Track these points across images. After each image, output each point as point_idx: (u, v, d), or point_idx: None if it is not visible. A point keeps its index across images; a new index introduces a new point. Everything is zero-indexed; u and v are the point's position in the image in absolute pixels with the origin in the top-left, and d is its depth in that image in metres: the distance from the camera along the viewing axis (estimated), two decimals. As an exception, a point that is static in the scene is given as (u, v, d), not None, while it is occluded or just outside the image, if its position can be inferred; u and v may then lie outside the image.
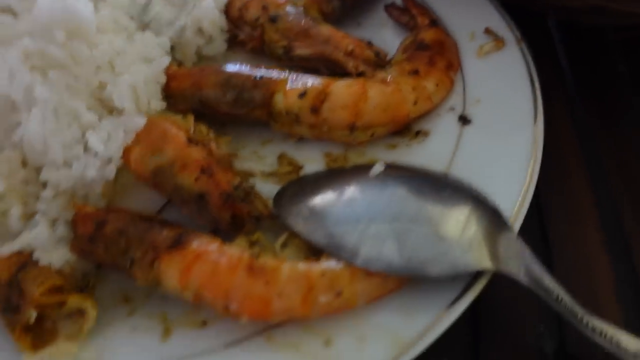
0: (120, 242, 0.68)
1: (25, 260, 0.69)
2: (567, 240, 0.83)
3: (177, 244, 0.66)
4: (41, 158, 0.75)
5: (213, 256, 0.64)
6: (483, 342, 0.73)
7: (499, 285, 0.66)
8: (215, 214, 0.71)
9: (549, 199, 0.87)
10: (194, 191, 0.71)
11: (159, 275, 0.65)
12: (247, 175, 0.81)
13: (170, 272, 0.64)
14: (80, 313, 0.67)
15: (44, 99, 0.73)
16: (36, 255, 0.70)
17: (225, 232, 0.71)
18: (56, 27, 0.76)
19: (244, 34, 0.97)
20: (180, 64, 0.93)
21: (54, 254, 0.70)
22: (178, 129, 0.77)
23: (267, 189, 0.78)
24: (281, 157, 0.85)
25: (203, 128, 0.80)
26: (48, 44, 0.75)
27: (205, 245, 0.66)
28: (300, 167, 0.83)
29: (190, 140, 0.76)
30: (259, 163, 0.85)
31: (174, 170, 0.73)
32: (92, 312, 0.66)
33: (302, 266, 0.64)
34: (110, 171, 0.76)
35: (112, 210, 0.74)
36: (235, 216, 0.71)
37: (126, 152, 0.75)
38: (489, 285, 0.65)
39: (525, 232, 0.72)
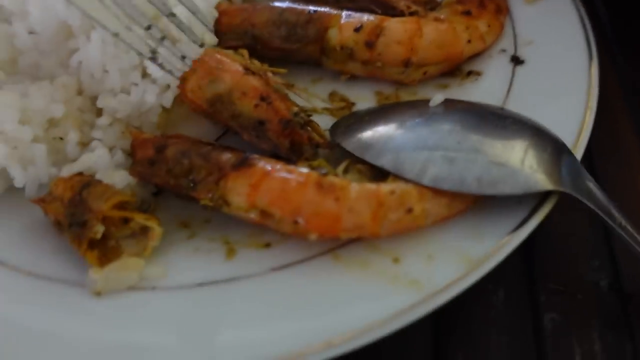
0: (184, 163, 0.68)
1: (88, 180, 0.69)
2: (617, 182, 0.83)
3: (243, 163, 0.66)
4: (98, 85, 0.75)
5: (281, 173, 0.64)
6: (538, 273, 0.73)
7: (553, 221, 0.67)
8: (274, 139, 0.71)
9: (599, 143, 0.87)
10: (254, 118, 0.72)
11: (226, 193, 0.65)
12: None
13: (238, 189, 0.64)
14: (143, 233, 0.67)
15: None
16: (99, 175, 0.70)
17: (285, 157, 0.71)
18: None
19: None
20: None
21: (117, 175, 0.70)
22: (234, 60, 0.76)
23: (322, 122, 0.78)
24: (332, 94, 0.84)
25: (256, 61, 0.79)
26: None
27: (271, 164, 0.66)
28: (352, 104, 0.83)
29: (247, 70, 0.75)
30: (310, 101, 0.84)
31: (233, 98, 0.72)
32: (157, 230, 0.66)
33: (370, 185, 0.64)
34: (168, 99, 0.76)
35: (169, 136, 0.74)
36: (294, 143, 0.71)
37: (182, 81, 0.75)
38: (543, 220, 0.65)
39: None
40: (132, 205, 0.68)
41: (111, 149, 0.74)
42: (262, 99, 0.71)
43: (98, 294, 0.63)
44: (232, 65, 0.75)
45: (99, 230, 0.64)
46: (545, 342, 0.67)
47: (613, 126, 0.91)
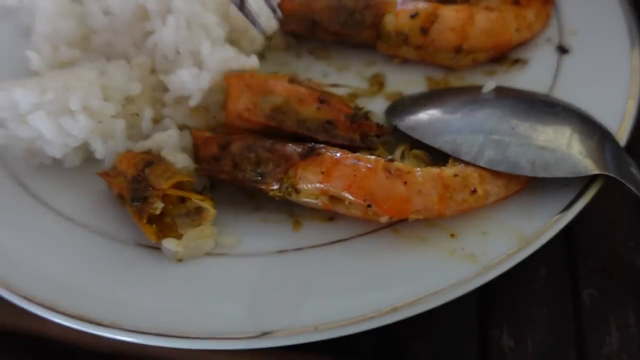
0: (250, 157, 0.72)
1: (151, 158, 0.73)
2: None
3: (312, 152, 0.70)
4: (171, 65, 0.79)
5: (351, 161, 0.69)
6: (578, 253, 0.78)
7: (593, 202, 0.71)
8: (346, 134, 0.75)
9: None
10: (321, 119, 0.75)
11: (296, 182, 0.69)
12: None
13: (310, 177, 0.69)
14: (197, 212, 0.71)
15: (180, 10, 0.77)
16: (164, 153, 0.74)
17: (363, 148, 0.75)
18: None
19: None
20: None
21: (179, 157, 0.74)
22: (269, 75, 0.80)
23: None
24: (375, 76, 0.89)
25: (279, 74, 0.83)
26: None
27: (339, 153, 0.70)
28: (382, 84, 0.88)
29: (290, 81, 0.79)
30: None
31: (293, 106, 0.76)
32: (211, 211, 0.71)
33: (433, 169, 0.69)
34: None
35: (230, 133, 0.77)
36: (363, 133, 0.75)
37: (231, 111, 0.76)
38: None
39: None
40: (190, 186, 0.73)
41: (182, 129, 0.79)
42: (321, 101, 0.75)
43: (180, 260, 0.68)
44: (276, 79, 0.79)
45: (158, 206, 0.68)
46: (583, 316, 0.72)
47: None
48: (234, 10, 0.82)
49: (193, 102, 0.78)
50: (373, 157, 0.70)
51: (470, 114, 0.75)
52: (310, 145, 0.71)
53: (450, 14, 0.85)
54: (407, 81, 0.89)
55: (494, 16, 0.86)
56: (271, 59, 0.93)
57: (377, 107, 0.85)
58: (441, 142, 0.72)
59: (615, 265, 0.76)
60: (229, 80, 0.77)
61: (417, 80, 0.89)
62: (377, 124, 0.76)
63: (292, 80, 0.80)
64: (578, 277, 0.75)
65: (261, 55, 0.92)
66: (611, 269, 0.76)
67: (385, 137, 0.78)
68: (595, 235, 0.80)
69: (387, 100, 0.86)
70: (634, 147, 0.87)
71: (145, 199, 0.69)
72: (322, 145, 0.71)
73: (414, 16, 0.85)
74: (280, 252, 0.69)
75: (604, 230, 0.80)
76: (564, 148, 0.70)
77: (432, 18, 0.85)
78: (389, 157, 0.71)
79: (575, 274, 0.76)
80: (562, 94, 0.82)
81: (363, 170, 0.68)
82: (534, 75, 0.87)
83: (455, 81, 0.88)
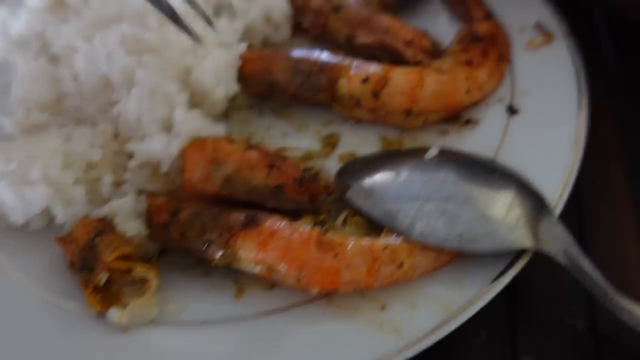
0: (196, 225, 0.75)
1: (103, 227, 0.77)
2: (602, 226, 0.89)
3: (252, 222, 0.74)
4: (133, 132, 0.84)
5: (286, 232, 0.72)
6: (520, 317, 0.79)
7: (535, 267, 0.73)
8: (295, 198, 0.78)
9: (588, 186, 0.93)
10: (270, 185, 0.78)
11: (236, 251, 0.73)
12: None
13: (248, 247, 0.72)
14: (142, 282, 0.75)
15: (143, 81, 0.81)
16: (116, 220, 0.78)
17: (309, 212, 0.79)
18: (149, 13, 0.84)
19: (307, 22, 1.04)
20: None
21: (132, 224, 0.78)
22: (222, 141, 0.83)
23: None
24: (329, 136, 0.93)
25: (238, 138, 0.86)
26: (143, 30, 0.84)
27: (277, 223, 0.74)
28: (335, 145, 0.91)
29: (244, 145, 0.82)
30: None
31: (243, 175, 0.79)
32: (154, 282, 0.74)
33: (365, 241, 0.73)
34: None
35: (182, 200, 0.81)
36: (312, 195, 0.78)
37: (187, 180, 0.80)
38: (525, 265, 0.73)
39: (564, 216, 0.79)
40: (136, 256, 0.76)
41: (141, 192, 0.83)
42: (270, 166, 0.79)
43: (126, 329, 0.72)
44: (229, 145, 0.82)
45: (102, 278, 0.72)
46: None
47: (605, 169, 0.96)
48: (194, 76, 0.86)
49: (163, 169, 0.82)
50: (308, 228, 0.73)
51: (410, 182, 0.78)
52: (252, 214, 0.74)
53: (400, 78, 0.88)
54: (361, 141, 0.92)
55: (444, 79, 0.89)
56: (235, 117, 0.97)
57: (331, 166, 0.88)
58: (379, 212, 0.76)
59: (556, 329, 0.78)
60: (186, 150, 0.81)
61: (371, 140, 0.92)
62: (325, 186, 0.79)
63: (247, 144, 0.83)
64: (518, 342, 0.77)
65: (225, 114, 0.96)
66: (552, 332, 0.78)
67: (336, 195, 0.80)
68: (537, 299, 0.81)
69: (341, 161, 0.89)
70: (581, 202, 0.90)
71: (92, 269, 0.73)
72: (263, 215, 0.75)
73: (365, 80, 0.88)
74: (220, 320, 0.73)
75: (546, 294, 0.82)
76: (495, 220, 0.73)
77: (383, 82, 0.88)
78: (324, 228, 0.74)
79: (516, 338, 0.77)
80: (509, 156, 0.85)
81: (296, 242, 0.71)
82: (483, 135, 0.89)
83: (408, 141, 0.91)
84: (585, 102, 0.88)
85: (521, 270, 0.73)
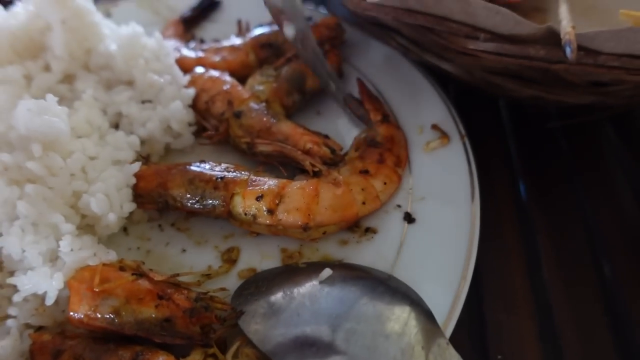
0: None
1: None
2: (503, 328, 0.91)
3: None
4: (18, 265, 0.81)
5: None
6: None
7: None
8: (185, 331, 0.76)
9: (489, 286, 0.95)
10: (159, 319, 0.76)
11: None
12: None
13: None
14: None
15: (24, 215, 0.79)
16: None
17: (201, 343, 0.76)
18: (33, 141, 0.83)
19: (210, 126, 1.04)
20: (148, 158, 1.00)
21: None
22: (111, 268, 0.81)
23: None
24: (228, 251, 0.92)
25: (129, 262, 0.84)
26: (25, 159, 0.81)
27: (161, 361, 0.71)
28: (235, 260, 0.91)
29: (134, 274, 0.80)
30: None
31: (132, 307, 0.77)
32: None
33: (251, 381, 0.71)
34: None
35: (68, 336, 0.78)
36: (203, 326, 0.77)
37: (71, 317, 0.77)
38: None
39: (465, 322, 0.80)
40: None
41: (27, 327, 0.80)
42: (160, 297, 0.77)
43: None
44: (118, 276, 0.80)
45: None
46: None
47: (505, 264, 0.98)
48: (83, 202, 0.85)
49: (49, 302, 0.79)
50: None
51: (300, 310, 0.77)
52: (134, 355, 0.72)
53: (295, 194, 0.89)
54: (262, 254, 0.92)
55: (339, 192, 0.90)
56: (133, 232, 0.95)
57: (231, 284, 0.86)
58: (267, 344, 0.74)
59: None
60: (71, 282, 0.79)
61: (272, 252, 0.92)
62: (217, 315, 0.78)
63: (139, 270, 0.81)
64: None
65: (124, 229, 0.95)
66: None
67: (228, 323, 0.79)
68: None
69: (240, 278, 0.88)
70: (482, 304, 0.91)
71: None
72: (147, 355, 0.73)
73: (259, 199, 0.88)
74: None
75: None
76: (381, 352, 0.72)
77: (277, 199, 0.88)
78: None
79: None
80: (405, 266, 0.86)
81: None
82: (382, 245, 0.90)
83: (309, 252, 0.91)
84: (477, 208, 0.89)
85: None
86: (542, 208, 1.06)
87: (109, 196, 0.87)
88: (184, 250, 0.93)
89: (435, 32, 0.94)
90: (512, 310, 0.93)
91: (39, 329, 0.80)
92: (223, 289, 0.84)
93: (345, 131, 1.08)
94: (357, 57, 1.19)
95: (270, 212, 0.88)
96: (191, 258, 0.92)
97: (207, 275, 0.88)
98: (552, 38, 0.84)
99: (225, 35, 1.24)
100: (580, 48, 0.84)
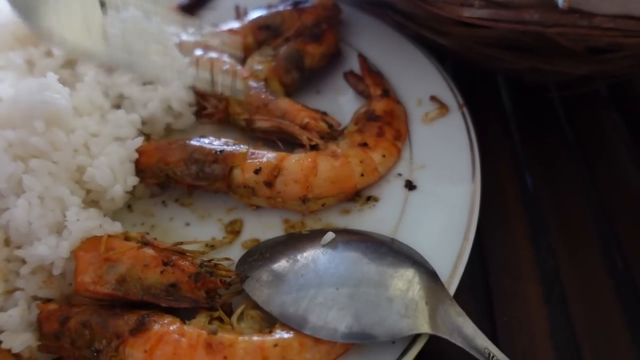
0: (85, 333, 0.73)
1: None
2: (508, 293, 0.91)
3: (140, 327, 0.72)
4: (24, 238, 0.82)
5: (174, 336, 0.71)
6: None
7: (443, 341, 0.73)
8: (191, 295, 0.77)
9: (493, 254, 0.95)
10: (164, 284, 0.77)
11: (125, 359, 0.71)
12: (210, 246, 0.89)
13: (135, 355, 0.71)
14: None
15: (30, 188, 0.80)
16: (2, 336, 0.75)
17: (206, 308, 0.77)
18: (36, 117, 0.84)
19: (210, 106, 1.05)
20: (149, 136, 1.01)
21: (19, 338, 0.75)
22: (117, 239, 0.82)
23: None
24: (233, 223, 0.93)
25: (134, 233, 0.85)
26: (29, 135, 0.82)
27: (166, 327, 0.72)
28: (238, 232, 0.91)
29: (139, 243, 0.81)
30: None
31: (137, 273, 0.78)
32: None
33: (256, 339, 0.71)
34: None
35: (74, 304, 0.79)
36: (209, 290, 0.77)
37: (79, 283, 0.78)
38: (433, 341, 0.73)
39: (470, 287, 0.80)
40: None
41: (34, 299, 0.80)
42: (165, 263, 0.78)
43: None
44: (122, 244, 0.81)
45: None
46: None
47: (508, 235, 0.98)
48: (88, 175, 0.86)
49: (56, 272, 0.80)
50: (197, 330, 0.72)
51: (304, 271, 0.78)
52: (141, 318, 0.73)
53: (293, 166, 0.89)
54: (265, 225, 0.92)
55: (338, 164, 0.90)
56: (137, 208, 0.96)
57: (235, 255, 0.87)
58: (272, 306, 0.74)
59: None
60: (77, 252, 0.79)
61: (274, 223, 0.92)
62: (221, 280, 0.78)
63: (144, 240, 0.82)
64: None
65: (128, 206, 0.96)
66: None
67: (233, 288, 0.79)
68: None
69: (244, 248, 0.89)
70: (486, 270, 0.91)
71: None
72: (153, 318, 0.73)
73: (257, 171, 0.88)
74: None
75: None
76: (385, 307, 0.72)
77: (276, 172, 0.88)
78: (213, 328, 0.72)
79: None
80: (407, 232, 0.86)
81: (184, 346, 0.70)
82: (384, 213, 0.90)
83: (311, 222, 0.92)
84: (478, 175, 0.90)
85: (426, 345, 0.73)
86: (542, 178, 1.07)
87: (113, 169, 0.87)
88: (187, 224, 0.93)
89: (430, 2, 0.94)
90: (517, 276, 0.93)
91: (46, 302, 0.80)
92: (227, 259, 0.84)
93: (344, 110, 1.09)
94: (354, 36, 1.20)
95: (269, 184, 0.88)
96: (195, 231, 0.92)
97: (212, 246, 0.89)
98: (546, 2, 0.85)
99: (223, 21, 1.24)
100: (574, 10, 0.85)
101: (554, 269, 0.93)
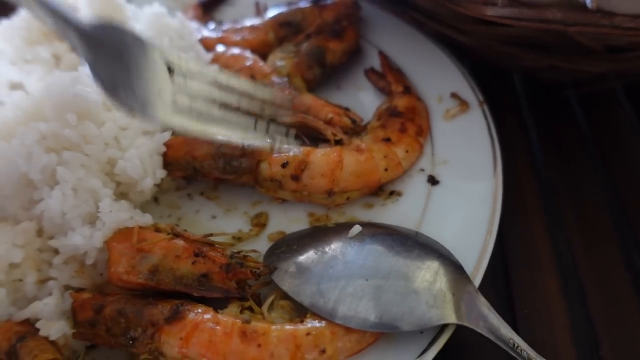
0: (121, 322, 0.75)
1: (25, 332, 0.76)
2: (528, 286, 0.93)
3: (175, 316, 0.74)
4: (57, 229, 0.84)
5: (209, 325, 0.73)
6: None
7: (466, 332, 0.75)
8: (222, 285, 0.78)
9: (513, 247, 0.97)
10: (196, 274, 0.79)
11: (161, 346, 0.73)
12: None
13: (171, 342, 0.73)
14: None
15: (64, 179, 0.82)
16: (39, 324, 0.77)
17: (237, 298, 0.79)
18: (68, 110, 0.86)
19: (234, 102, 1.06)
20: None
21: (55, 326, 0.77)
22: (148, 230, 0.84)
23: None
24: (258, 215, 0.95)
25: (163, 225, 0.87)
26: (62, 127, 0.84)
27: (200, 315, 0.74)
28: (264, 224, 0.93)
29: (169, 234, 0.83)
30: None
31: (169, 264, 0.80)
32: None
33: (289, 327, 0.73)
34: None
35: (108, 293, 0.81)
36: (239, 281, 0.79)
37: (112, 273, 0.80)
38: (457, 332, 0.74)
39: (491, 280, 0.81)
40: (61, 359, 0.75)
41: (67, 288, 0.82)
42: (197, 254, 0.79)
43: None
44: (154, 235, 0.83)
45: None
46: None
47: (527, 229, 1.00)
48: (119, 168, 0.87)
49: (89, 262, 0.82)
50: (232, 320, 0.74)
51: (333, 261, 0.79)
52: (175, 307, 0.75)
53: (319, 160, 0.91)
54: (290, 219, 0.94)
55: (362, 158, 0.92)
56: (164, 201, 0.98)
57: (261, 247, 0.88)
58: (303, 296, 0.76)
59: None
60: (109, 242, 0.81)
61: (300, 217, 0.94)
62: (252, 270, 0.79)
63: (174, 232, 0.84)
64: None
65: (154, 199, 0.97)
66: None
67: (263, 279, 0.81)
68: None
69: (270, 240, 0.91)
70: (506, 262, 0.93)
71: (13, 377, 0.71)
72: (187, 307, 0.75)
73: (284, 165, 0.90)
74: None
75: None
76: (413, 298, 0.74)
77: (303, 166, 0.90)
78: (247, 318, 0.74)
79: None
80: (431, 226, 0.88)
81: (219, 334, 0.72)
82: (407, 207, 0.92)
83: (336, 215, 0.93)
84: (500, 170, 0.92)
85: (451, 338, 0.74)
86: (559, 173, 1.09)
87: (143, 162, 0.89)
88: (214, 217, 0.95)
89: (453, 1, 0.96)
90: (536, 269, 0.95)
91: (78, 291, 0.82)
92: (255, 251, 0.86)
93: (365, 106, 1.10)
94: (374, 33, 1.21)
95: (296, 178, 0.90)
96: (221, 224, 0.94)
97: (238, 239, 0.90)
98: (569, 1, 0.87)
99: (243, 18, 1.26)
100: (596, 9, 0.86)
101: (571, 262, 0.95)
